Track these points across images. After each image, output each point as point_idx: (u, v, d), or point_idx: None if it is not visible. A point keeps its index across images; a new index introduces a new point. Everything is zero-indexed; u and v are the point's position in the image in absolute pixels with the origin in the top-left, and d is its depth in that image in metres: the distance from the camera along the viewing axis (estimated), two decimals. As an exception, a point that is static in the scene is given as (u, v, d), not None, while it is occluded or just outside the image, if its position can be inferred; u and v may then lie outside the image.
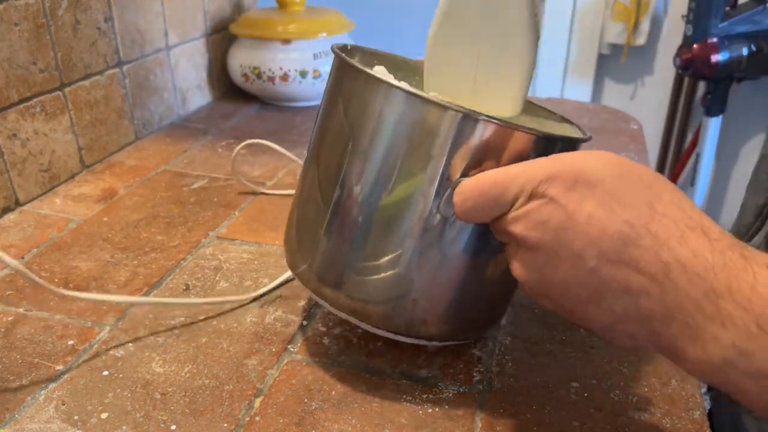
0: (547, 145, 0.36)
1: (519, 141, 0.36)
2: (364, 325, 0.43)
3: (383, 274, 0.41)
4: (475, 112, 0.36)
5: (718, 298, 0.28)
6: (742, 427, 0.46)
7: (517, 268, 0.35)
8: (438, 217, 0.39)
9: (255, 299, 0.53)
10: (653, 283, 0.29)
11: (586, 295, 0.31)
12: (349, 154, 0.40)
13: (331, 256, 0.42)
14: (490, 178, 0.35)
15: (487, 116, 0.36)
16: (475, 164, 0.37)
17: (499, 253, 0.39)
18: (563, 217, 0.31)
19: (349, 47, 0.47)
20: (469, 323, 0.44)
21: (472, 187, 0.35)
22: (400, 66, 0.50)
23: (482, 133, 0.37)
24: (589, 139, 0.41)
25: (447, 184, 0.38)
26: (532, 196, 0.33)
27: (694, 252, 0.29)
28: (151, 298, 0.53)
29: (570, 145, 0.38)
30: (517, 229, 0.33)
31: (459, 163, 0.37)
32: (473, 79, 0.42)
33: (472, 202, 0.35)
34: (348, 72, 0.41)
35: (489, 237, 0.39)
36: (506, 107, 0.42)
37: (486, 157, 0.37)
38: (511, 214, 0.34)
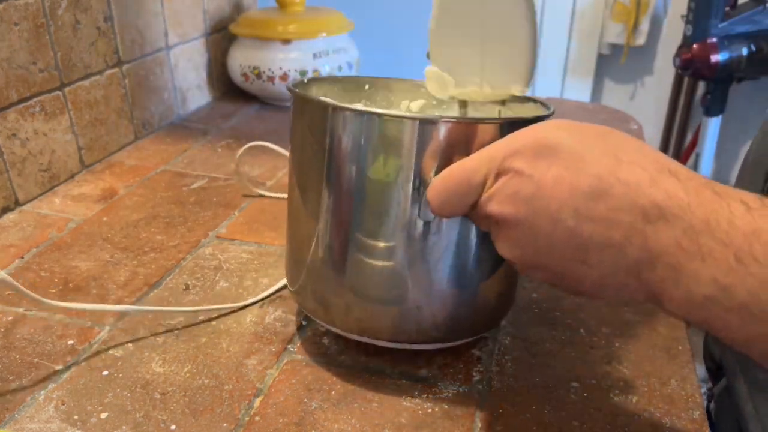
0: (512, 129, 0.36)
1: (483, 132, 0.37)
2: (378, 342, 0.44)
3: (382, 291, 0.41)
4: (430, 116, 0.37)
5: (697, 235, 0.28)
6: (746, 429, 0.46)
7: (502, 248, 0.35)
8: (421, 223, 0.39)
9: (249, 305, 0.53)
10: (633, 230, 0.29)
11: (571, 255, 0.31)
12: (324, 183, 0.41)
13: (330, 283, 0.43)
14: (456, 168, 0.36)
15: (445, 117, 0.37)
16: (446, 164, 0.37)
17: (488, 244, 0.40)
18: (532, 185, 0.31)
19: (306, 80, 0.49)
20: (478, 317, 0.44)
21: (441, 181, 0.36)
22: (362, 85, 0.52)
23: (444, 133, 0.37)
24: (553, 113, 0.41)
25: (422, 189, 0.38)
26: (498, 174, 0.33)
27: (667, 193, 0.29)
28: (139, 307, 0.52)
29: (535, 123, 0.39)
30: (492, 208, 0.34)
31: (429, 167, 0.38)
32: (480, 65, 0.43)
33: (445, 194, 0.36)
34: (305, 104, 0.42)
35: (473, 231, 0.39)
36: (517, 87, 0.44)
37: (454, 154, 0.37)
38: (484, 196, 0.34)
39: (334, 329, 0.45)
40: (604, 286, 0.32)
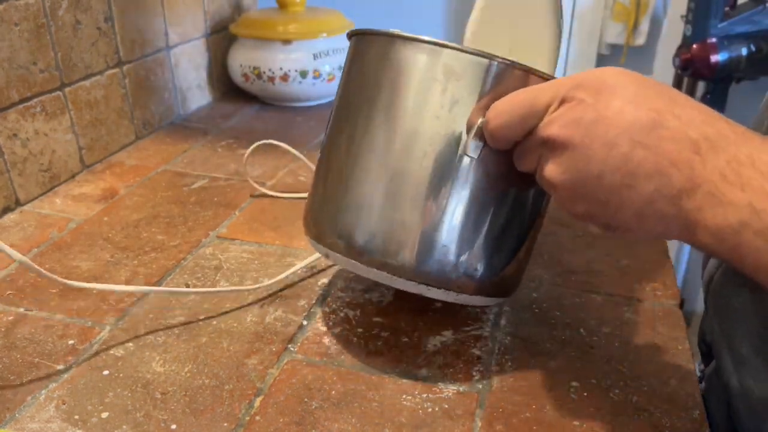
0: None
1: (536, 83, 0.39)
2: (396, 281, 0.42)
3: (412, 217, 0.41)
4: (496, 56, 0.40)
5: (740, 166, 0.30)
6: (732, 404, 0.46)
7: (551, 171, 0.36)
8: (464, 159, 0.40)
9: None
10: (681, 159, 0.32)
11: (620, 180, 0.33)
12: (375, 110, 0.42)
13: (360, 211, 0.42)
14: (521, 92, 0.38)
15: (510, 60, 0.39)
16: None
17: (524, 197, 0.42)
18: (594, 113, 0.34)
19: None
20: (497, 278, 0.44)
21: (505, 102, 0.38)
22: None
23: (509, 77, 0.40)
24: None
25: (470, 125, 0.40)
26: (563, 101, 0.35)
27: (717, 130, 0.32)
28: (156, 288, 0.53)
29: None
30: (552, 131, 0.35)
31: (484, 106, 0.39)
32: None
33: (508, 114, 0.38)
34: (368, 40, 0.44)
35: (513, 178, 0.41)
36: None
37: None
38: (545, 120, 0.36)
39: (352, 263, 0.43)
40: (644, 216, 0.34)
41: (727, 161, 0.31)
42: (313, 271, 0.57)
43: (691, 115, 0.32)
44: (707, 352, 0.50)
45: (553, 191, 0.37)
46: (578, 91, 0.35)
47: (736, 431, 0.47)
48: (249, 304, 0.52)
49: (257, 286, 0.53)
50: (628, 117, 0.33)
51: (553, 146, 0.36)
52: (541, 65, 0.45)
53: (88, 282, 0.54)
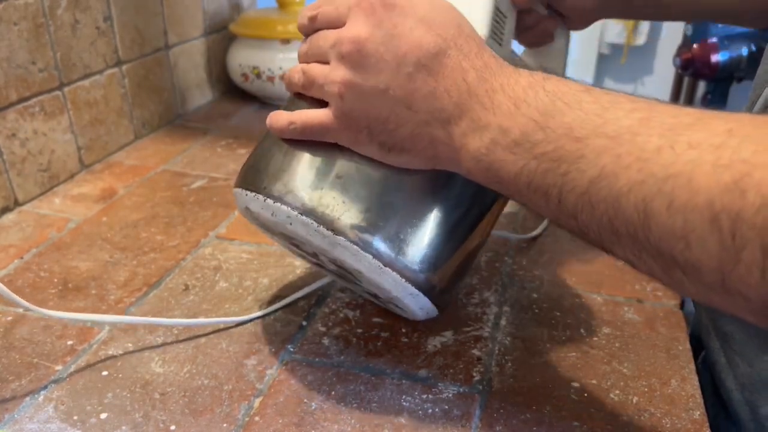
0: None
1: None
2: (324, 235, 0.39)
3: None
4: None
5: (494, 94, 0.34)
6: (719, 379, 0.48)
7: (340, 75, 0.37)
8: None
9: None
10: (454, 87, 0.35)
11: (401, 98, 0.36)
12: None
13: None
14: None
15: None
16: None
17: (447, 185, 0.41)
18: (390, 26, 0.36)
19: None
20: (427, 265, 0.40)
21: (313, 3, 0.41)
22: None
23: None
24: None
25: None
26: (358, 5, 0.37)
27: (485, 63, 0.36)
28: (129, 317, 0.50)
29: None
30: (349, 33, 0.37)
31: None
32: None
33: (308, 10, 0.41)
34: None
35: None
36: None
37: None
38: (341, 24, 0.38)
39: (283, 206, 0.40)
40: (417, 137, 0.37)
41: (486, 90, 0.35)
42: (313, 271, 0.57)
43: (470, 47, 0.36)
44: (696, 346, 0.51)
45: (339, 100, 0.38)
46: (377, 2, 0.36)
47: (725, 407, 0.48)
48: (248, 304, 0.52)
49: (238, 319, 0.53)
50: (418, 38, 0.35)
51: (347, 51, 0.37)
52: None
53: (86, 283, 0.54)
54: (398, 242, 0.39)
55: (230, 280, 0.55)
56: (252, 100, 1.01)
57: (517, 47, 0.54)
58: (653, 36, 1.78)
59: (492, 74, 0.35)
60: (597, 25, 1.78)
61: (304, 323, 0.50)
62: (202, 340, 0.48)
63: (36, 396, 0.42)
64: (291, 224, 0.40)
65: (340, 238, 0.39)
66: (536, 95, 0.33)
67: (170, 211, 0.67)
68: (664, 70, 1.81)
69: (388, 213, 0.39)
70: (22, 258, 0.58)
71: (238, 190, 0.43)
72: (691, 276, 0.28)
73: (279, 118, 0.41)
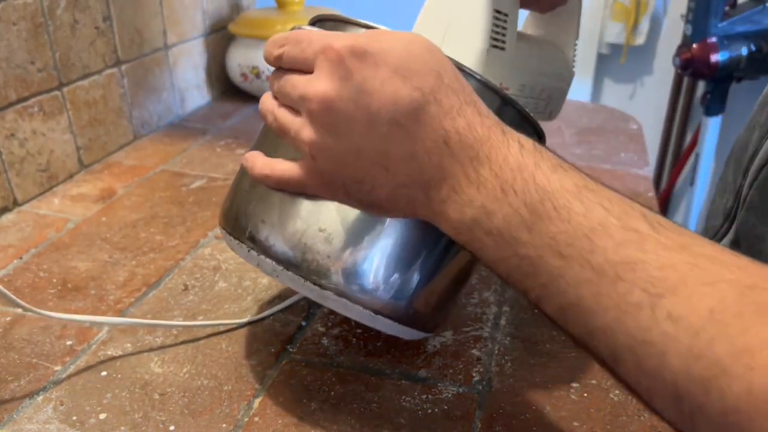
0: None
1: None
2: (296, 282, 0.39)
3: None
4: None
5: (479, 166, 0.32)
6: None
7: (310, 135, 0.34)
8: None
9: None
10: (435, 150, 0.32)
11: (377, 158, 0.33)
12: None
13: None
14: (303, 32, 0.36)
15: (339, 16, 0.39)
16: None
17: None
18: (360, 80, 0.32)
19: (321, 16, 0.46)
20: (402, 295, 0.40)
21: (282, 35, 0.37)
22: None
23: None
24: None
25: None
26: (327, 55, 0.33)
27: (468, 124, 0.32)
28: (126, 319, 0.51)
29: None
30: (317, 87, 0.33)
31: None
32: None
33: (272, 44, 0.37)
34: (328, 27, 0.41)
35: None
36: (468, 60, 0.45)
37: None
38: (311, 75, 0.34)
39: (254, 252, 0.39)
40: (396, 197, 0.34)
41: (470, 158, 0.32)
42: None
43: (451, 102, 0.32)
44: None
45: (311, 160, 0.35)
46: (346, 51, 0.33)
47: None
48: (247, 304, 0.52)
49: (238, 321, 0.53)
50: (391, 93, 0.32)
51: (315, 110, 0.33)
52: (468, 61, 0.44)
53: (85, 283, 0.54)
54: (389, 289, 0.39)
55: (229, 281, 0.55)
56: (251, 100, 1.01)
57: (522, 15, 0.49)
58: (653, 36, 1.78)
59: (477, 139, 0.32)
60: (597, 25, 1.78)
61: (304, 323, 0.50)
62: (202, 340, 0.48)
63: (35, 396, 0.42)
64: (278, 276, 0.39)
65: (329, 293, 0.38)
66: (525, 186, 0.31)
67: (169, 211, 0.67)
68: (663, 70, 1.81)
69: (377, 262, 0.38)
70: (21, 258, 0.58)
71: (222, 231, 0.42)
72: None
73: (254, 163, 0.39)
